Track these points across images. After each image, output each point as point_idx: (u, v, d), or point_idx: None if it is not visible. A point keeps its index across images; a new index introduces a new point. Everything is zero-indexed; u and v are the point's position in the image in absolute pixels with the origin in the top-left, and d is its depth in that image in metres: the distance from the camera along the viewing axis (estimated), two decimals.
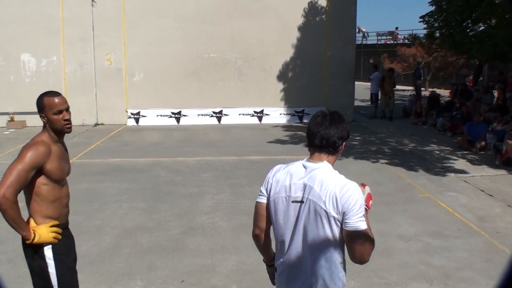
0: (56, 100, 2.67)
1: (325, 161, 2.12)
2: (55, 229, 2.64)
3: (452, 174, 8.01)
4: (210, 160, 9.10)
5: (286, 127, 13.43)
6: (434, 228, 5.51)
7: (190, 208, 6.24)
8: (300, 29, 14.32)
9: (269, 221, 2.26)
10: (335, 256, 2.10)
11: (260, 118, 14.45)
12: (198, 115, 14.23)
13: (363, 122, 14.21)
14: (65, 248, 2.75)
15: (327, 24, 14.35)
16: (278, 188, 2.17)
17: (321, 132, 2.12)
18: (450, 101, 15.03)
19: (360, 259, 2.03)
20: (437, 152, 9.89)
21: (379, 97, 15.43)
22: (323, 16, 14.37)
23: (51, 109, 2.64)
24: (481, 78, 20.02)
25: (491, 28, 12.65)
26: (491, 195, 6.79)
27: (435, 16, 14.54)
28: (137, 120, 14.12)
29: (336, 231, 2.04)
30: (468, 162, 8.90)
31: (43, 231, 2.59)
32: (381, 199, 6.56)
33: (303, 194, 2.08)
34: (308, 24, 14.34)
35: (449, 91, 16.97)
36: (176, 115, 14.25)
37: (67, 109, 2.70)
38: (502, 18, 11.69)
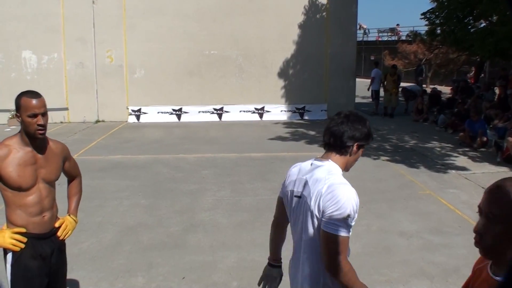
0: (34, 102, 2.46)
1: (330, 160, 2.06)
2: (16, 236, 2.50)
3: (453, 171, 8.00)
4: (211, 157, 9.10)
5: (287, 124, 13.42)
6: (435, 225, 5.50)
7: (191, 205, 6.25)
8: (300, 26, 14.30)
9: (282, 213, 2.27)
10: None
11: (260, 115, 14.45)
12: (199, 112, 14.23)
13: None
14: (27, 258, 2.56)
15: (327, 21, 14.33)
16: (287, 182, 2.18)
17: (331, 129, 2.07)
18: (452, 98, 14.99)
19: (327, 267, 1.91)
20: (438, 149, 9.87)
21: (381, 94, 15.42)
22: (324, 13, 14.35)
23: (26, 110, 2.45)
24: (482, 75, 19.98)
25: (493, 25, 12.62)
26: None
27: (437, 13, 14.51)
28: (138, 117, 14.12)
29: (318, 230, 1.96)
30: (469, 159, 8.89)
31: (2, 235, 2.50)
32: (382, 196, 6.57)
33: (302, 189, 2.06)
34: (309, 21, 14.32)
35: (450, 88, 16.93)
36: (177, 112, 14.24)
37: (44, 114, 2.49)
38: (503, 15, 11.64)
